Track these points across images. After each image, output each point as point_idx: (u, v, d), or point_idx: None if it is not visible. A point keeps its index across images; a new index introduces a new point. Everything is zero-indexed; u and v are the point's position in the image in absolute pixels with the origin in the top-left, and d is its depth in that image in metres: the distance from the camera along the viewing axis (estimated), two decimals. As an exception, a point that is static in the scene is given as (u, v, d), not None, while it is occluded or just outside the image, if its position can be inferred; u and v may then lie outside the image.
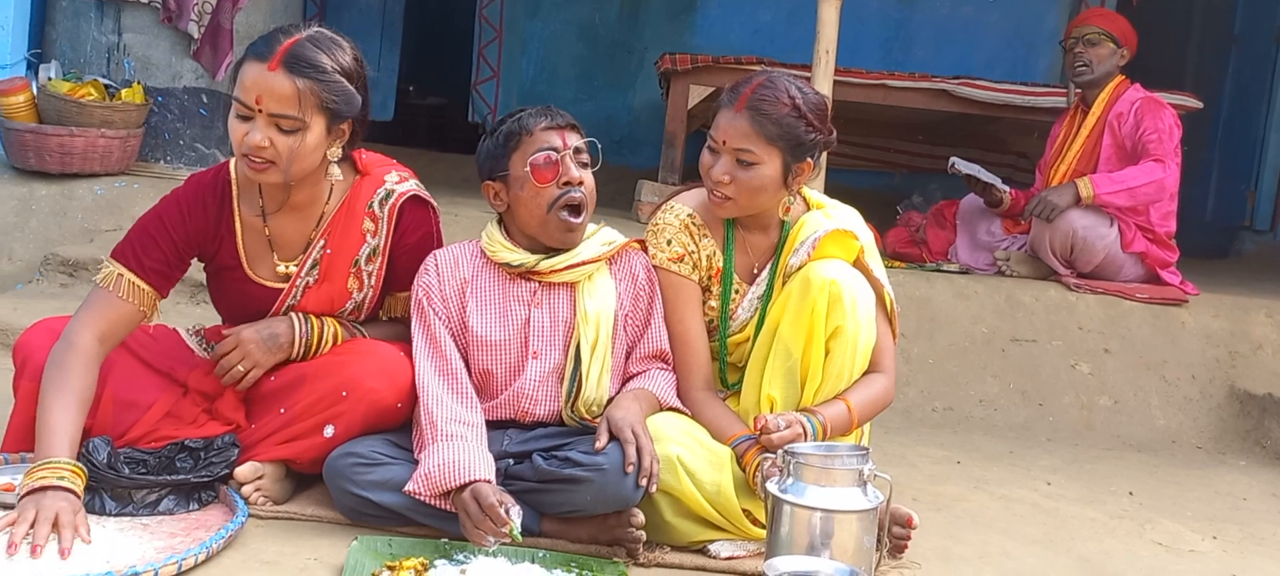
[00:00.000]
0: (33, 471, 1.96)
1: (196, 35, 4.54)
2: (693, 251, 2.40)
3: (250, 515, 2.14)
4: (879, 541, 2.07)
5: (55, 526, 1.87)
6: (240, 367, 2.28)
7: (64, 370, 2.10)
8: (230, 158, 2.33)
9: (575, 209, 2.27)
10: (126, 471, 2.12)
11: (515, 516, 1.98)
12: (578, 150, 2.30)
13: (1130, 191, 4.03)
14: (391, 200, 2.36)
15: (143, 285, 2.23)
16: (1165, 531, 2.74)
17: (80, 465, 2.00)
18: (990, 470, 3.19)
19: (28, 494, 1.91)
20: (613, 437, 2.13)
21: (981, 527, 2.62)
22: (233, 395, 2.32)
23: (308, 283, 2.35)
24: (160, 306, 2.33)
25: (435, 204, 2.46)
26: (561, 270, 2.29)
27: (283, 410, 2.26)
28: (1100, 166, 4.22)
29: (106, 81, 4.45)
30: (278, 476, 2.25)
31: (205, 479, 2.17)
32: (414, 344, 2.28)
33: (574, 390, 2.27)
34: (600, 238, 2.36)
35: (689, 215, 2.42)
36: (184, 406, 2.31)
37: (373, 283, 2.38)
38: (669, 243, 2.40)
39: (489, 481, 2.06)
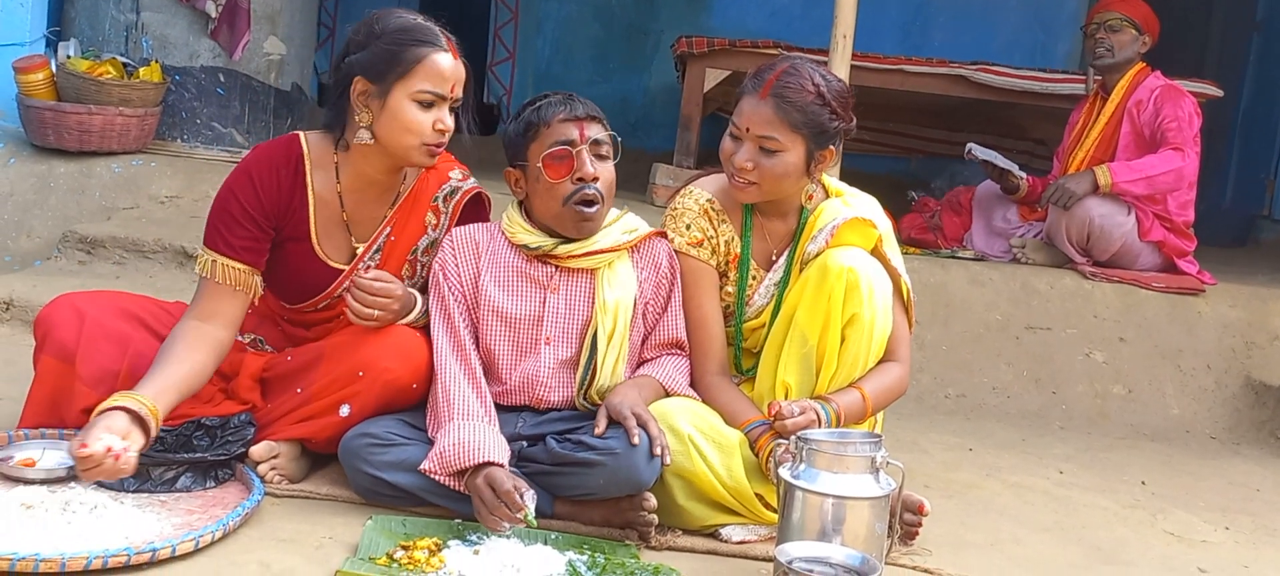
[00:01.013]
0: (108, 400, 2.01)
1: (214, 15, 4.56)
2: (712, 237, 2.40)
3: (266, 493, 2.16)
4: (891, 528, 2.08)
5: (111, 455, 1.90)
6: (376, 313, 2.25)
7: (167, 346, 2.18)
8: (301, 131, 2.39)
9: (589, 203, 2.26)
10: (144, 448, 2.14)
11: (529, 501, 1.99)
12: (596, 143, 2.27)
13: (1149, 180, 4.01)
14: (456, 197, 2.43)
15: (237, 265, 2.27)
16: (1178, 521, 2.74)
17: (156, 406, 2.03)
18: (1003, 457, 3.19)
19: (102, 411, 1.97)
20: (612, 422, 2.14)
21: (993, 515, 2.63)
22: (249, 375, 2.34)
23: (370, 265, 2.38)
24: (171, 284, 2.35)
25: (491, 202, 2.51)
26: (579, 256, 2.29)
27: (299, 390, 2.28)
28: (1119, 154, 4.20)
29: (124, 60, 4.47)
30: (293, 455, 2.27)
31: (222, 457, 2.19)
32: (432, 322, 2.29)
33: (588, 378, 2.28)
34: (622, 225, 2.35)
35: (708, 200, 2.42)
36: (201, 385, 2.33)
37: (424, 272, 2.41)
38: (688, 227, 2.40)
39: (502, 464, 2.07)
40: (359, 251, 2.38)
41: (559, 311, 2.30)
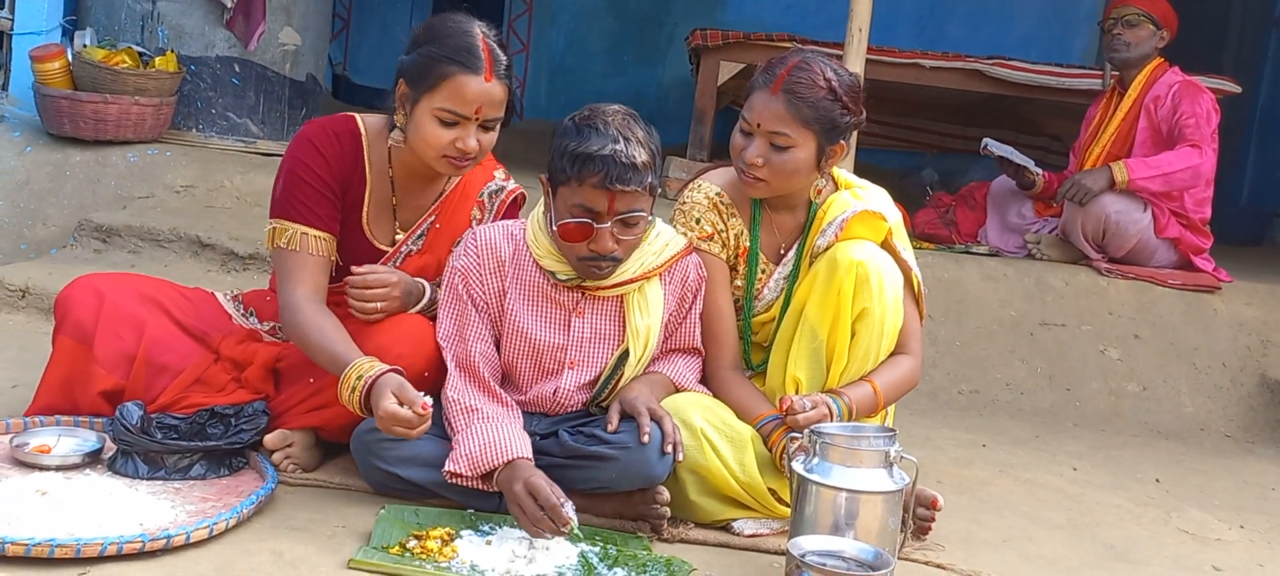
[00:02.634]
0: (348, 377, 2.06)
1: (229, 5, 4.56)
2: (722, 230, 2.39)
3: (280, 482, 2.17)
4: (903, 523, 2.07)
5: (399, 398, 1.99)
6: (379, 305, 2.27)
7: (308, 320, 2.19)
8: (356, 112, 2.40)
9: (601, 268, 2.17)
10: (158, 436, 2.15)
11: (571, 512, 1.97)
12: (625, 219, 2.13)
13: (1166, 177, 3.98)
14: (502, 195, 2.46)
15: (323, 234, 2.29)
16: (1191, 519, 2.73)
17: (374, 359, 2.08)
18: (1016, 454, 3.17)
19: (370, 389, 2.04)
20: (625, 417, 2.14)
21: (1006, 511, 2.62)
22: (262, 365, 2.35)
23: (410, 251, 2.40)
24: (186, 273, 2.36)
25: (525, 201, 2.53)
26: (608, 287, 2.23)
27: (311, 379, 2.28)
28: (1135, 150, 4.17)
29: (140, 49, 4.48)
30: (307, 444, 2.28)
31: (236, 445, 2.20)
32: (442, 323, 2.26)
33: (607, 391, 2.27)
34: (651, 246, 2.25)
35: (717, 193, 2.41)
36: (214, 373, 2.34)
37: None
38: (697, 221, 2.39)
39: (529, 458, 2.07)
40: (399, 238, 2.40)
41: (584, 336, 2.26)
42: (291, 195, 2.29)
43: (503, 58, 2.26)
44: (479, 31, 2.25)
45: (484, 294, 2.25)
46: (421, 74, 2.23)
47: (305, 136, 2.34)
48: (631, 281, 2.24)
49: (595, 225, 2.12)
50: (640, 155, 2.10)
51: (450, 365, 2.21)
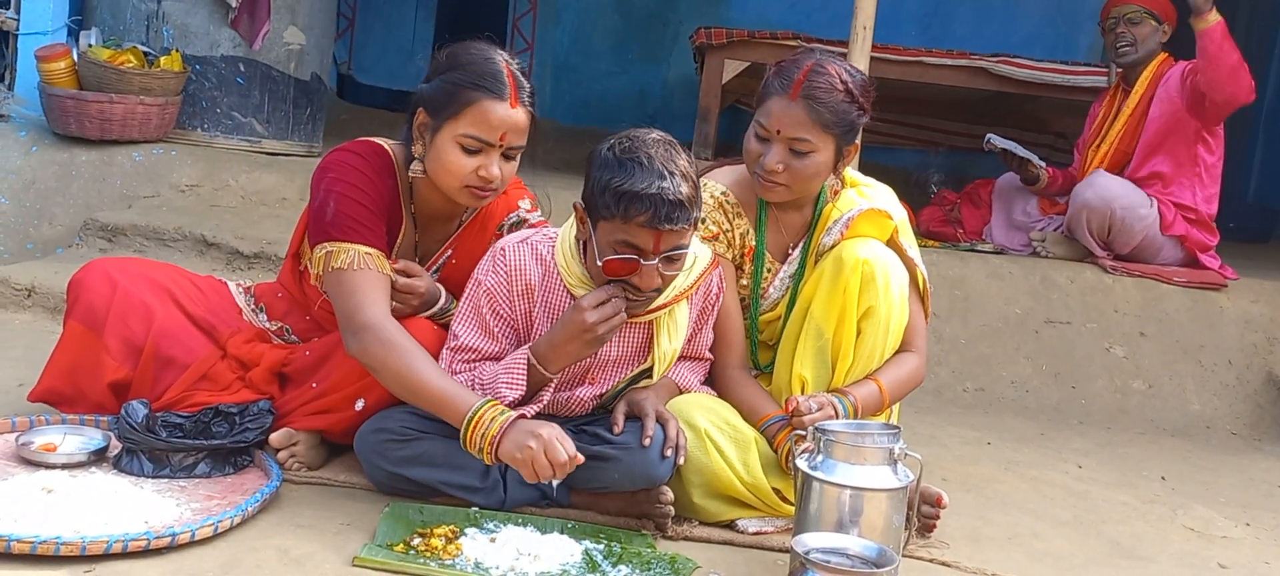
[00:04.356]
0: (478, 423, 1.99)
1: (234, 4, 4.57)
2: (727, 230, 2.39)
3: (285, 480, 2.17)
4: (908, 520, 2.07)
5: (546, 444, 1.94)
6: (394, 304, 2.22)
7: (402, 348, 2.07)
8: (381, 140, 2.32)
9: (640, 300, 2.10)
10: (163, 434, 2.16)
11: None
12: (669, 257, 2.05)
13: (1234, 62, 3.80)
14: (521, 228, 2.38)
15: (377, 252, 2.20)
16: (1197, 517, 2.72)
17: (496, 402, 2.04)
18: (1021, 452, 3.17)
19: (508, 431, 1.98)
20: (630, 417, 2.13)
21: (1011, 509, 2.61)
22: (268, 367, 2.35)
23: None
24: (196, 267, 2.35)
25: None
26: (640, 314, 2.18)
27: (315, 383, 2.29)
28: (1146, 146, 4.15)
29: (145, 49, 4.49)
30: (312, 443, 2.28)
31: (241, 443, 2.20)
32: (455, 330, 2.20)
33: (617, 400, 2.26)
34: (681, 264, 2.14)
35: (723, 193, 2.40)
36: (220, 371, 2.35)
37: None
38: (703, 221, 2.39)
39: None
40: None
41: (610, 358, 2.23)
42: (346, 215, 2.18)
43: (526, 84, 2.21)
44: (501, 58, 2.20)
45: (511, 314, 2.19)
46: (444, 101, 2.17)
47: (350, 169, 2.23)
48: (664, 306, 2.19)
49: (642, 262, 2.03)
50: (686, 190, 2.01)
51: (446, 357, 2.18)
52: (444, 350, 2.21)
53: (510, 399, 2.08)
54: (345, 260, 2.17)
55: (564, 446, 1.96)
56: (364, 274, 2.16)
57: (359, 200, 2.21)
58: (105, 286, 2.30)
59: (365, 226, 2.20)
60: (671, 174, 2.00)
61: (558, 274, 2.17)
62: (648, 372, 2.24)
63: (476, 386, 2.12)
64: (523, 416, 2.03)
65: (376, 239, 2.21)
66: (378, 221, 2.23)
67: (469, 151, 2.17)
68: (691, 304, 2.27)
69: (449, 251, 2.39)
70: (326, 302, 2.45)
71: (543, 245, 2.21)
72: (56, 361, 2.32)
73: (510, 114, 2.17)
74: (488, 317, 2.18)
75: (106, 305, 2.29)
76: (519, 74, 2.21)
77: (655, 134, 2.09)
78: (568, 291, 2.17)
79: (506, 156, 2.21)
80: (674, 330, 2.22)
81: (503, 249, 2.21)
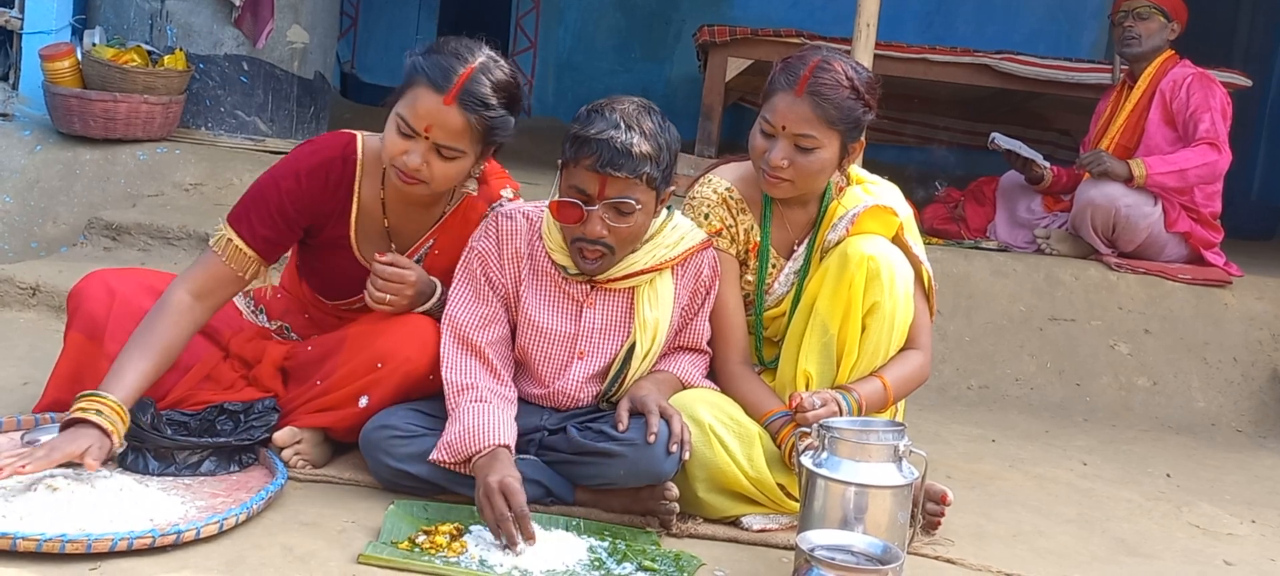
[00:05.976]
0: (78, 400, 2.00)
1: (238, 3, 4.57)
2: (731, 226, 2.39)
3: (289, 478, 2.17)
4: (913, 517, 2.07)
5: (82, 456, 1.92)
6: (387, 298, 2.25)
7: (150, 320, 2.15)
8: (358, 132, 2.35)
9: (589, 254, 2.15)
10: (169, 432, 2.16)
11: (527, 546, 1.92)
12: (616, 205, 2.10)
13: (1181, 173, 3.96)
14: None
15: (248, 251, 2.24)
16: (1202, 514, 2.72)
17: (123, 407, 2.02)
18: (1026, 449, 3.17)
19: (66, 424, 1.98)
20: (634, 414, 2.13)
21: (1016, 506, 2.61)
22: (271, 364, 2.36)
23: None
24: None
25: None
26: (618, 279, 2.23)
27: (319, 381, 2.29)
28: (1145, 142, 4.15)
29: (149, 48, 4.50)
30: (316, 441, 2.28)
31: (246, 441, 2.20)
32: (452, 299, 2.24)
33: (616, 386, 2.27)
34: (666, 237, 2.25)
35: (727, 189, 2.40)
36: (223, 370, 2.35)
37: None
38: (706, 217, 2.38)
39: (510, 447, 2.06)
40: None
41: (595, 326, 2.26)
42: (246, 206, 2.25)
43: (485, 96, 2.14)
44: (470, 60, 2.15)
45: (501, 279, 2.25)
46: (403, 79, 2.21)
47: (295, 162, 2.28)
48: (642, 272, 2.23)
49: (585, 208, 2.09)
50: (640, 144, 2.07)
51: (447, 338, 2.19)
52: (442, 320, 2.23)
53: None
54: (216, 239, 2.25)
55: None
56: (214, 260, 2.23)
57: (267, 198, 2.25)
58: (104, 296, 2.30)
59: (257, 221, 2.23)
60: (628, 127, 2.07)
61: (542, 244, 2.23)
62: (637, 353, 2.25)
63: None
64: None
65: (261, 239, 2.24)
66: (279, 223, 2.25)
67: (402, 134, 2.17)
68: (678, 280, 2.28)
69: (431, 241, 2.38)
70: (331, 308, 2.46)
71: (535, 213, 2.27)
72: (60, 372, 2.32)
73: (439, 109, 2.13)
74: (480, 279, 2.22)
75: (106, 314, 2.29)
76: (480, 82, 2.14)
77: (639, 99, 2.16)
78: (552, 260, 2.20)
79: (442, 155, 2.17)
80: (654, 299, 2.24)
81: (496, 215, 2.26)
